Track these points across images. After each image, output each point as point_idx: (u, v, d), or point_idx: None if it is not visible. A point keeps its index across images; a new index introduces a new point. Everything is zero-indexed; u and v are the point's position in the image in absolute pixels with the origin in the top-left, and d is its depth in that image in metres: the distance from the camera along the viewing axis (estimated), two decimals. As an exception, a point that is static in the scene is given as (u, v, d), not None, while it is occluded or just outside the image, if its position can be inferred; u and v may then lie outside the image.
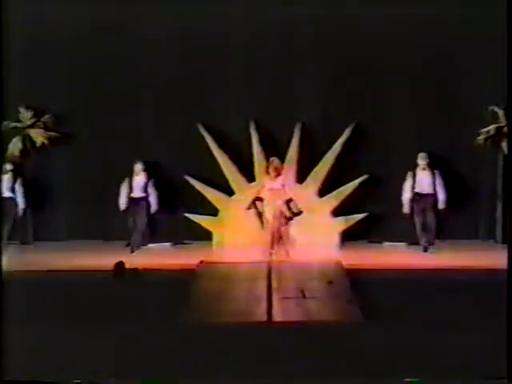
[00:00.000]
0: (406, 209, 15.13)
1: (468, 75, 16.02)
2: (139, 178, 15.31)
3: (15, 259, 14.68)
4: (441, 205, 15.01)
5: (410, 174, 15.10)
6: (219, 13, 15.84)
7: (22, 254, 15.11)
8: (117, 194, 15.35)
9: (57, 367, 8.32)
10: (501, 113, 15.73)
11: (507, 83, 12.71)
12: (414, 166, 15.20)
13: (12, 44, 15.58)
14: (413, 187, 15.06)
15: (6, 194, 15.18)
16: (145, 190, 15.33)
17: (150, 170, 15.68)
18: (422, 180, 15.06)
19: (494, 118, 15.81)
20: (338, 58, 15.88)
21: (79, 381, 7.83)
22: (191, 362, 9.27)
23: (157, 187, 15.61)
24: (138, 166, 15.29)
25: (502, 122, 15.72)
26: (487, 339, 9.18)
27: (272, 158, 15.19)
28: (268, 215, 14.94)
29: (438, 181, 15.07)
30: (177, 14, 15.80)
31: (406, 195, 15.12)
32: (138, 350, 9.61)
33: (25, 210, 15.74)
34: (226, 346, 9.75)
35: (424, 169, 15.07)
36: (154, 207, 15.40)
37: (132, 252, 14.97)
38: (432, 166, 15.12)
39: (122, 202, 15.28)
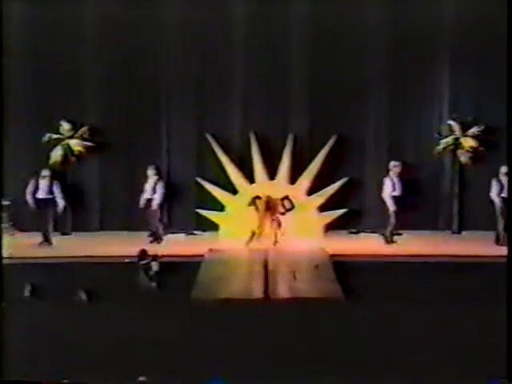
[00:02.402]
0: (393, 207, 14.96)
1: (432, 93, 15.94)
2: (152, 181, 15.24)
3: (57, 247, 14.79)
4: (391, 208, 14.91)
5: (388, 179, 14.98)
6: (222, 36, 15.82)
7: (63, 243, 15.12)
8: (139, 193, 15.29)
9: (56, 366, 7.91)
10: (456, 126, 15.66)
11: (507, 84, 12.39)
12: (387, 172, 15.12)
13: (55, 66, 15.67)
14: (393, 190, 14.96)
15: (47, 195, 15.03)
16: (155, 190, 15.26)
17: (161, 174, 15.65)
18: (396, 184, 14.96)
19: (451, 130, 15.73)
20: (324, 78, 15.72)
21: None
22: (200, 331, 9.26)
23: (172, 187, 15.53)
24: (150, 171, 15.23)
25: (458, 133, 15.65)
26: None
27: (270, 163, 15.17)
28: (267, 210, 14.95)
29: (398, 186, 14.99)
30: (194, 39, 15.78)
31: (390, 196, 14.95)
32: (155, 324, 9.60)
33: (65, 206, 15.64)
34: (228, 319, 9.74)
35: (395, 175, 14.96)
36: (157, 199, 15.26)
37: (159, 242, 14.93)
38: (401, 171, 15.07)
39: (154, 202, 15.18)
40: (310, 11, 15.62)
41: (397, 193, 14.97)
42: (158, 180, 15.31)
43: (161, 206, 15.37)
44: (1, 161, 13.86)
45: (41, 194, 14.93)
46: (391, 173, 15.04)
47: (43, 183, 14.96)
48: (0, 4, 15.10)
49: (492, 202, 14.80)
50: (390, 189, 14.95)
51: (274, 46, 15.70)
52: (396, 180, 15.01)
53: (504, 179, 14.73)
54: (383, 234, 15.00)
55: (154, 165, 15.36)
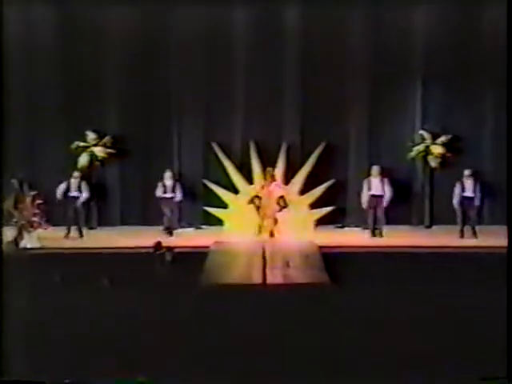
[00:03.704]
0: (364, 205, 14.99)
1: (406, 107, 15.96)
2: (169, 182, 15.26)
3: (83, 239, 14.78)
4: (385, 203, 14.90)
5: (366, 180, 15.01)
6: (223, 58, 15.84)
7: (89, 236, 15.11)
8: (153, 193, 15.30)
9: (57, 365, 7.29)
10: (427, 135, 15.67)
11: (507, 85, 12.27)
12: (367, 175, 15.11)
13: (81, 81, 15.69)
14: (368, 190, 14.96)
15: (76, 194, 15.10)
16: (173, 190, 15.26)
17: (177, 176, 15.63)
18: (376, 185, 14.94)
19: (422, 139, 15.74)
20: (313, 96, 15.71)
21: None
22: (207, 312, 9.25)
23: (183, 188, 15.51)
24: (168, 174, 15.25)
25: (428, 142, 15.66)
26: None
27: (268, 168, 15.17)
28: (264, 207, 14.94)
29: (386, 186, 14.95)
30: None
31: (364, 196, 14.97)
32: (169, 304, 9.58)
33: (90, 204, 15.67)
34: (231, 301, 9.73)
35: (376, 177, 14.97)
36: (178, 197, 15.27)
37: (171, 235, 14.93)
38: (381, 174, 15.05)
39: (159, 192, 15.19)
40: (302, 39, 15.70)
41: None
42: (176, 182, 15.33)
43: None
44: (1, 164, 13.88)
45: (72, 193, 15.01)
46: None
47: (74, 183, 15.03)
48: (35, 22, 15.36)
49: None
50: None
51: (271, 69, 15.69)
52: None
53: (467, 181, 14.76)
54: (374, 229, 14.93)
55: (170, 169, 15.40)
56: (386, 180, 14.85)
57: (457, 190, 14.77)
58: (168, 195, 15.19)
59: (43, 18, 15.69)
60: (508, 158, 14.28)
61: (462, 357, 7.39)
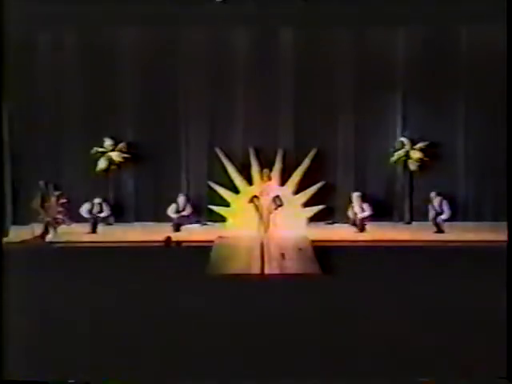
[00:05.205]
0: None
1: (388, 117, 16.00)
2: (182, 203, 15.31)
3: (102, 234, 14.82)
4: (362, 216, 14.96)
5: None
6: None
7: (107, 231, 15.16)
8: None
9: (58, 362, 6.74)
10: (407, 142, 15.75)
11: (507, 85, 12.34)
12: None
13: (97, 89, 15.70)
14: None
15: (97, 213, 15.22)
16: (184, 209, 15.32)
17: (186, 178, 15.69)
18: (357, 208, 15.02)
19: (403, 145, 15.81)
20: (306, 106, 15.74)
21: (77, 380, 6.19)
22: (212, 299, 9.29)
23: (189, 189, 15.55)
24: (181, 198, 15.34)
25: (408, 147, 15.73)
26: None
27: (265, 170, 15.26)
28: (262, 206, 14.99)
29: (366, 207, 14.98)
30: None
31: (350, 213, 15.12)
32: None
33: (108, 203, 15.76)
34: (233, 289, 9.76)
35: (356, 202, 15.04)
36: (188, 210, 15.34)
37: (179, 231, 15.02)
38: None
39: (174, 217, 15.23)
40: (296, 56, 15.74)
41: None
42: (187, 201, 15.40)
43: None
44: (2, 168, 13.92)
45: (94, 211, 15.19)
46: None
47: (96, 204, 15.19)
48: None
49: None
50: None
51: (268, 83, 15.71)
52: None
53: (435, 200, 14.90)
54: (355, 224, 15.01)
55: (178, 194, 15.45)
56: (365, 205, 14.97)
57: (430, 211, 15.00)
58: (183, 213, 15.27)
59: (67, 41, 15.79)
60: (508, 158, 14.35)
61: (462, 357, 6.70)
